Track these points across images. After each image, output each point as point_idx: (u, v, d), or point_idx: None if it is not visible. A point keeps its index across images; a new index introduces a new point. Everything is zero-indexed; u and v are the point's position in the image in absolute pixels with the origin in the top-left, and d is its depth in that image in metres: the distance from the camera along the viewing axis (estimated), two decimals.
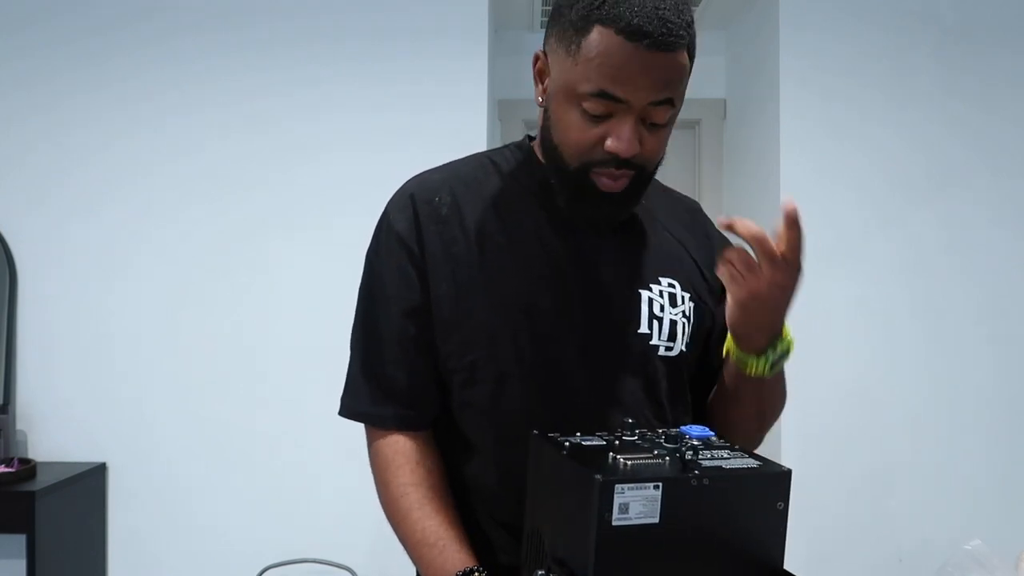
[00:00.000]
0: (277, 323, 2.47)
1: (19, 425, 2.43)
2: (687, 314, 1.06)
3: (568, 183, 0.98)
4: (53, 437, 2.43)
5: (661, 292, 1.04)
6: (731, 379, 1.05)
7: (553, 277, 1.01)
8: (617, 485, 0.72)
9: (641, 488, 0.73)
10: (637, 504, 0.73)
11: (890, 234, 2.44)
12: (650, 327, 1.02)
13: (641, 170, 0.96)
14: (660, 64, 0.90)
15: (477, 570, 0.93)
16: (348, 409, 1.07)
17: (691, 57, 0.95)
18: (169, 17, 2.49)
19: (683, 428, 0.85)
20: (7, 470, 2.19)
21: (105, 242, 2.47)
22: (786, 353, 0.99)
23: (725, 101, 3.14)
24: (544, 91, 0.99)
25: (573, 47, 0.91)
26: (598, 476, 0.72)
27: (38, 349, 2.45)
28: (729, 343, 1.01)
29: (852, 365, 2.41)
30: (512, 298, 1.00)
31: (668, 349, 1.03)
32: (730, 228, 0.89)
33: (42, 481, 2.19)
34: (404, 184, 1.09)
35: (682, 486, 0.74)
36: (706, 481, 0.75)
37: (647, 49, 0.88)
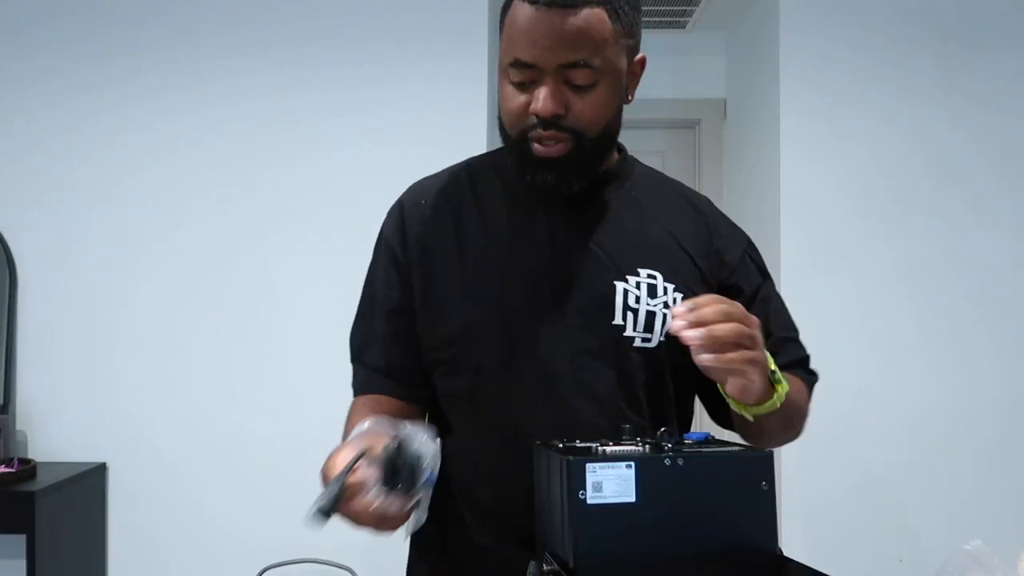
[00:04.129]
0: (277, 323, 2.47)
1: (19, 425, 2.43)
2: (671, 304, 1.05)
3: (512, 154, 1.04)
4: (53, 437, 2.43)
5: (639, 283, 1.04)
6: (748, 422, 0.99)
7: (528, 272, 1.04)
8: (588, 464, 0.76)
9: (613, 467, 0.76)
10: (611, 483, 0.75)
11: (891, 233, 2.44)
12: (624, 319, 1.03)
13: (580, 137, 0.99)
14: (560, 23, 0.94)
15: None
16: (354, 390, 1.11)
17: (619, 16, 0.98)
18: (172, 18, 2.49)
19: (686, 435, 0.87)
20: (7, 470, 2.19)
21: (105, 242, 2.47)
22: (778, 381, 0.95)
23: (725, 101, 3.14)
24: None
25: (501, 28, 1.00)
26: (570, 456, 0.76)
27: (38, 349, 2.45)
28: (733, 403, 0.95)
29: (853, 364, 2.41)
30: (487, 294, 1.03)
31: (645, 341, 1.03)
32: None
33: (42, 481, 2.19)
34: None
35: (655, 465, 0.77)
36: (680, 461, 0.77)
37: (546, 7, 0.93)
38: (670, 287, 1.05)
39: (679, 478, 0.77)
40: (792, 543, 0.84)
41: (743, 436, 1.08)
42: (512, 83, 0.99)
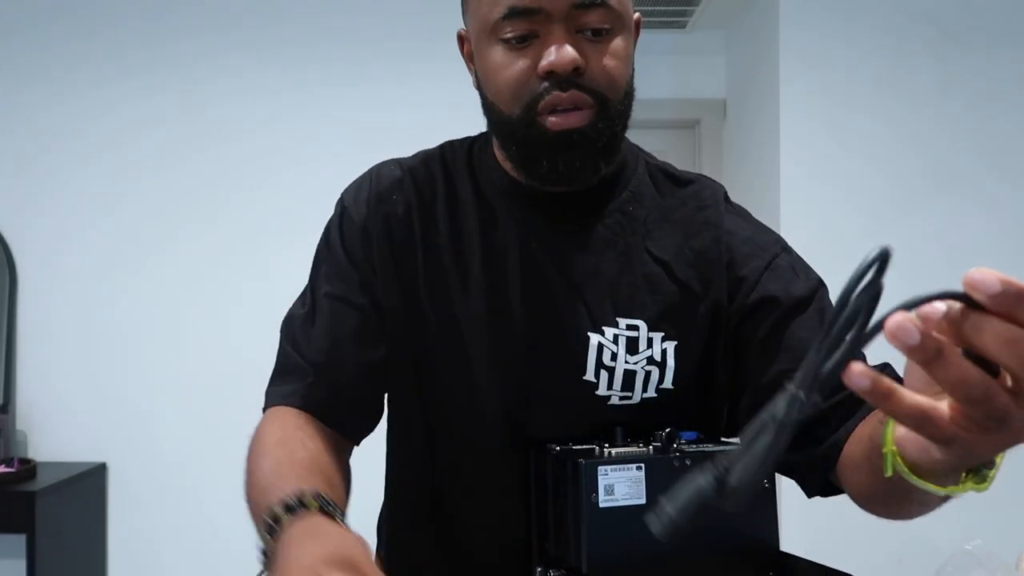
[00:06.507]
0: (278, 323, 2.47)
1: (19, 425, 2.43)
2: (657, 359, 0.87)
3: (516, 139, 0.84)
4: (53, 437, 2.43)
5: (616, 337, 0.87)
6: (890, 489, 0.72)
7: (495, 310, 0.88)
8: (600, 467, 0.76)
9: (624, 469, 0.76)
10: (622, 485, 0.76)
11: (889, 233, 2.44)
12: (597, 376, 0.87)
13: (603, 101, 0.81)
14: None
15: (317, 496, 0.70)
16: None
17: None
18: (173, 18, 2.50)
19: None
20: (7, 470, 2.19)
21: (105, 242, 2.47)
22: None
23: (725, 101, 3.14)
24: (475, 69, 0.88)
25: None
26: (581, 460, 0.76)
27: (38, 349, 2.45)
28: (896, 462, 0.60)
29: None
30: (451, 331, 0.89)
31: (625, 399, 0.87)
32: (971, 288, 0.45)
33: (42, 481, 2.19)
34: (360, 178, 1.03)
35: (664, 466, 0.77)
36: (688, 461, 0.78)
37: None
38: (656, 336, 0.87)
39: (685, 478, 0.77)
40: (792, 542, 0.84)
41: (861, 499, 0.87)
42: (504, 43, 0.80)
